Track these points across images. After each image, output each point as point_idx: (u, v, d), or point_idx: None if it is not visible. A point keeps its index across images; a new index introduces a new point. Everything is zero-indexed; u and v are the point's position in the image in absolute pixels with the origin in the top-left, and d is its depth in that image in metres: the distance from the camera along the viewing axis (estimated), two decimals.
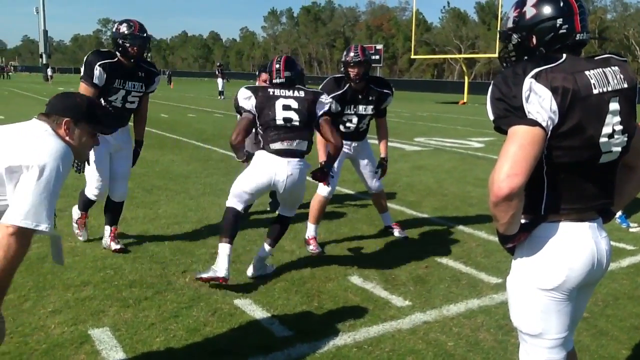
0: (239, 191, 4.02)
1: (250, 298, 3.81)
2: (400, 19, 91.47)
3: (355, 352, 3.12)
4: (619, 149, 1.84)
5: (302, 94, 4.01)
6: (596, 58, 1.87)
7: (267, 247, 4.21)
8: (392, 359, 3.08)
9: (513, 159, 1.68)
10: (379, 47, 57.26)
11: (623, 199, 2.07)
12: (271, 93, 3.97)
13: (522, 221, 1.87)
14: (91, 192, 4.55)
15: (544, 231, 1.87)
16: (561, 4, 1.82)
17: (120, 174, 4.61)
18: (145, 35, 4.39)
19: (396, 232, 5.36)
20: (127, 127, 4.70)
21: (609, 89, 1.78)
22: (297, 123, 3.95)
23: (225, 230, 3.96)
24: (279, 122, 3.93)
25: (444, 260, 4.68)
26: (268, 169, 3.93)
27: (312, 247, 4.82)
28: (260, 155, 3.99)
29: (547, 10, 1.83)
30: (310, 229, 4.97)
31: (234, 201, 4.04)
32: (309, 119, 4.00)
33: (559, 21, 1.81)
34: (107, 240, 4.63)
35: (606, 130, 1.78)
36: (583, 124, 1.74)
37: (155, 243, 4.87)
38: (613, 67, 1.83)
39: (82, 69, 4.33)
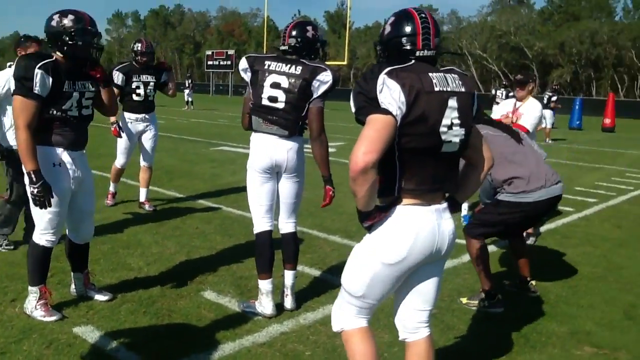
0: (255, 207, 3.65)
1: (92, 324, 3.48)
2: (251, 25, 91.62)
3: None
4: (458, 140, 2.16)
5: (299, 70, 3.42)
6: (442, 68, 2.19)
7: (289, 273, 3.79)
8: None
9: (368, 140, 1.98)
10: (231, 52, 57.22)
11: (466, 192, 2.38)
12: (266, 66, 3.46)
13: (379, 204, 2.15)
14: (46, 238, 3.50)
15: (397, 212, 2.15)
16: (407, 25, 2.16)
17: (86, 212, 3.69)
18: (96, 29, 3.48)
19: (146, 207, 6.34)
20: (86, 152, 3.69)
21: (448, 89, 2.12)
22: (282, 105, 3.45)
23: (261, 263, 3.65)
24: (264, 101, 3.47)
25: (300, 267, 4.63)
26: (265, 149, 3.53)
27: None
28: (253, 138, 3.61)
29: (396, 29, 2.19)
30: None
31: (259, 223, 3.67)
32: (299, 103, 3.45)
33: (404, 40, 2.17)
34: (82, 287, 3.87)
35: (445, 121, 2.10)
36: (426, 114, 2.05)
37: None
38: (453, 75, 2.20)
39: (13, 80, 3.24)
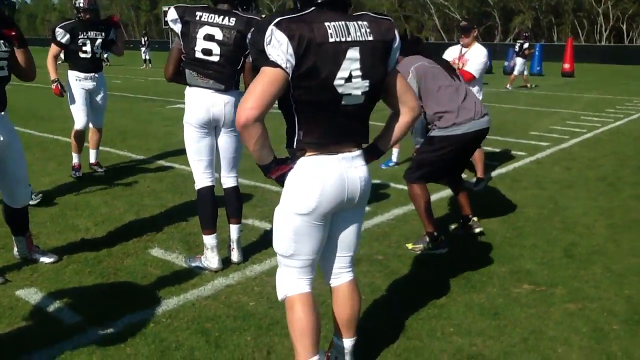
0: (194, 163, 3.61)
1: (36, 287, 3.44)
2: None
3: (152, 328, 2.97)
4: (360, 92, 2.07)
5: (232, 21, 3.33)
6: (354, 14, 2.08)
7: (234, 227, 3.79)
8: (192, 327, 2.98)
9: (254, 95, 1.93)
10: None
11: (389, 139, 2.30)
12: (197, 17, 3.32)
13: (284, 156, 2.16)
14: None
15: (301, 164, 2.12)
16: None
17: (18, 177, 3.56)
18: None
19: (97, 169, 6.27)
20: (6, 114, 3.53)
21: (348, 39, 2.00)
22: (217, 58, 3.36)
23: (204, 219, 3.62)
24: (198, 54, 3.36)
25: (250, 220, 4.65)
26: (202, 102, 3.45)
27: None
28: (188, 93, 3.51)
29: None
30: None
31: (200, 178, 3.63)
32: (234, 55, 3.38)
33: None
34: (24, 250, 3.81)
35: (342, 74, 2.00)
36: (318, 66, 1.96)
37: None
38: (361, 22, 2.05)
39: None
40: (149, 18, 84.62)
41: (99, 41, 5.78)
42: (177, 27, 3.40)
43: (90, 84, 5.86)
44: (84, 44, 5.72)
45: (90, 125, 6.16)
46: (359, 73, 2.02)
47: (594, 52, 37.72)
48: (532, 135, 9.02)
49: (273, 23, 1.92)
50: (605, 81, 21.78)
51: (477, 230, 4.34)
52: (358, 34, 2.02)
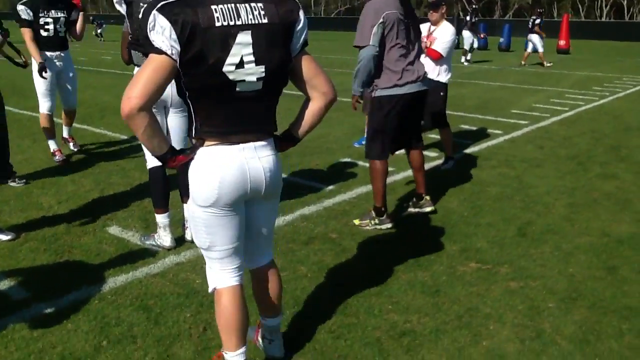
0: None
1: None
2: None
3: (96, 305, 3.03)
4: (255, 78, 1.97)
5: None
6: None
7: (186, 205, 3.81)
8: (135, 304, 3.04)
9: (138, 83, 1.84)
10: None
11: (303, 126, 2.21)
12: None
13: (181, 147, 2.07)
14: None
15: (200, 154, 2.04)
16: None
17: None
18: None
19: (71, 145, 6.27)
20: None
21: (238, 22, 1.90)
22: None
23: (156, 198, 3.70)
24: None
25: None
26: None
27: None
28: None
29: None
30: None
31: (151, 158, 3.61)
32: None
33: None
34: None
35: (232, 60, 1.91)
36: (205, 52, 1.86)
37: None
38: (256, 4, 1.94)
39: None
40: None
41: (61, 19, 5.68)
42: (123, 9, 3.42)
43: (57, 64, 5.74)
44: (47, 23, 5.60)
45: (64, 108, 6.11)
46: (251, 58, 1.93)
47: (593, 28, 37.36)
48: (512, 113, 9.02)
49: (156, 8, 1.83)
50: (600, 58, 21.65)
51: (428, 209, 4.40)
52: (250, 16, 1.91)
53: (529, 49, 17.84)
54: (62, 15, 5.71)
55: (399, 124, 4.10)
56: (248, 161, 2.05)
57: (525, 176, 5.56)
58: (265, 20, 1.94)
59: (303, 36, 2.07)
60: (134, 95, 1.82)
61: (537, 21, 17.62)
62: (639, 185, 5.31)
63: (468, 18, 18.25)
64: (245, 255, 2.32)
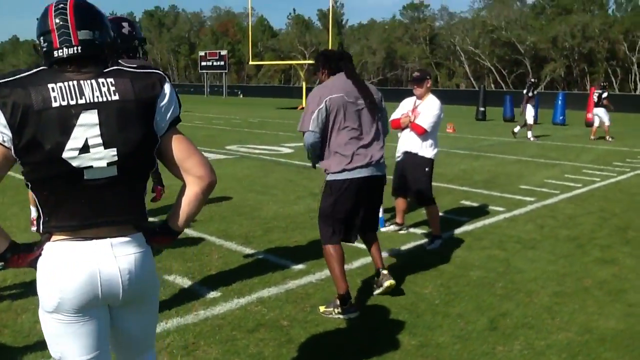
0: None
1: None
2: (245, 24, 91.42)
3: None
4: (105, 164, 1.73)
5: None
6: (105, 70, 1.77)
7: None
8: None
9: None
10: (223, 53, 57.35)
11: (182, 216, 1.92)
12: None
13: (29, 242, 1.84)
14: None
15: (46, 251, 1.79)
16: (44, 21, 1.75)
17: None
18: None
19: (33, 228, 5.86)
20: None
21: (80, 101, 1.69)
22: None
23: None
24: None
25: (172, 277, 4.47)
26: None
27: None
28: None
29: (37, 27, 1.78)
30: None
31: None
32: None
33: (42, 39, 1.76)
34: None
35: (74, 144, 1.69)
36: (39, 138, 1.66)
37: None
38: (106, 79, 1.74)
39: None
40: (187, 62, 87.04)
41: None
42: None
43: None
44: None
45: None
46: (98, 141, 1.70)
47: (623, 101, 36.90)
48: (520, 189, 8.67)
49: None
50: (629, 132, 21.15)
51: (387, 283, 4.04)
52: (97, 94, 1.70)
53: (596, 123, 17.53)
54: None
55: (352, 208, 3.91)
56: (100, 261, 1.76)
57: (515, 259, 5.19)
58: (115, 97, 1.73)
59: (170, 112, 1.83)
60: None
61: (604, 95, 17.35)
62: (638, 272, 4.89)
63: (525, 91, 17.85)
64: None
